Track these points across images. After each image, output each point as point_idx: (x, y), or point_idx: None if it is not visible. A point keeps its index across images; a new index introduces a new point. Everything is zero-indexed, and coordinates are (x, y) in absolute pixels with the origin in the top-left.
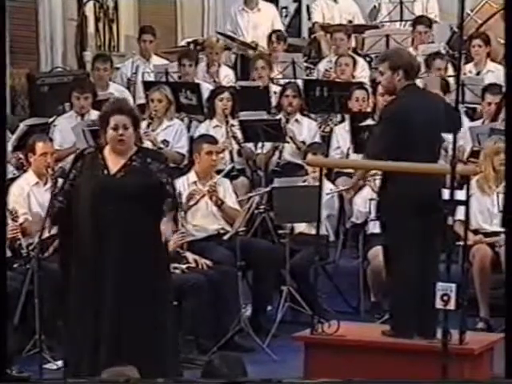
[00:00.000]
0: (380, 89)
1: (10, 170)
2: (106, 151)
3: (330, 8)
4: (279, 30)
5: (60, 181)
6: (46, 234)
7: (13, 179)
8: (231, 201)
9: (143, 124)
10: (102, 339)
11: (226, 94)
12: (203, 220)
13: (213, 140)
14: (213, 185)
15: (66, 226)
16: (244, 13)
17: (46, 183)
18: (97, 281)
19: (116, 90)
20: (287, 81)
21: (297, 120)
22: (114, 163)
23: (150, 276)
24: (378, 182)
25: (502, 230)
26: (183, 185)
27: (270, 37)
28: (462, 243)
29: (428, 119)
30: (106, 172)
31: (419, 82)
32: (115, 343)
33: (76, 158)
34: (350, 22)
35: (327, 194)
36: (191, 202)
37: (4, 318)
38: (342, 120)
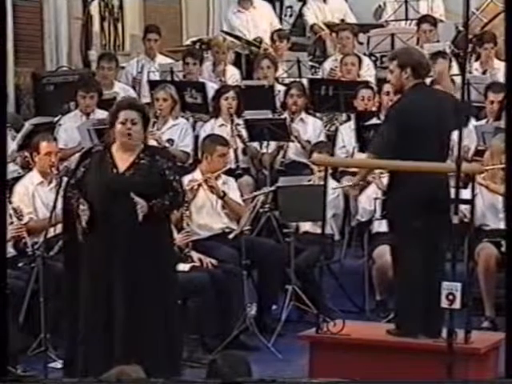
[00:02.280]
0: (385, 88)
1: (15, 169)
2: (114, 149)
3: (321, 9)
4: (281, 29)
5: (65, 180)
6: (51, 233)
7: (18, 178)
8: (235, 197)
9: None
10: (106, 338)
11: (231, 93)
12: (208, 219)
13: (225, 142)
14: (209, 176)
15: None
16: (241, 14)
17: (50, 182)
18: (103, 280)
19: (121, 89)
20: (292, 80)
21: (302, 119)
22: (122, 161)
23: (157, 275)
24: (383, 180)
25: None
26: (187, 183)
27: (272, 35)
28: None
29: (435, 118)
30: (114, 170)
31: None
32: (120, 342)
33: (83, 155)
34: (343, 20)
35: (333, 188)
36: (190, 195)
37: (6, 317)
38: (348, 119)
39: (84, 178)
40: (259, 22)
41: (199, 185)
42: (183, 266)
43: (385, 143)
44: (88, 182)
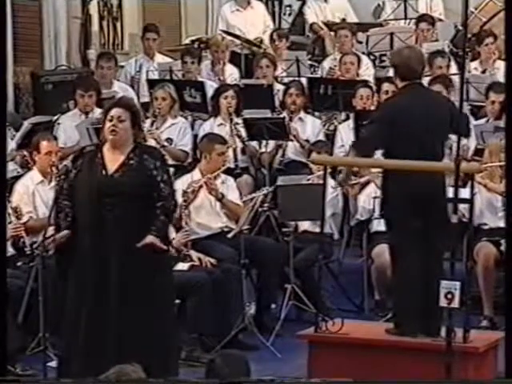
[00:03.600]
0: (384, 87)
1: (14, 168)
2: (105, 149)
3: (322, 8)
4: (281, 28)
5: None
6: (50, 232)
7: (17, 177)
8: (234, 197)
9: (147, 122)
10: (102, 338)
11: (230, 92)
12: (207, 218)
13: (223, 141)
14: (210, 177)
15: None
16: (238, 13)
17: (50, 182)
18: (96, 280)
19: (120, 88)
20: (291, 79)
21: (300, 118)
22: (112, 162)
23: (150, 275)
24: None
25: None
26: (187, 183)
27: (271, 35)
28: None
29: (423, 118)
30: (104, 172)
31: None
32: (115, 342)
33: (76, 156)
34: (344, 19)
35: (332, 187)
36: (191, 196)
37: (5, 316)
38: (347, 118)
39: (76, 178)
40: (257, 22)
41: (200, 186)
42: (182, 265)
43: (364, 140)
44: (79, 182)
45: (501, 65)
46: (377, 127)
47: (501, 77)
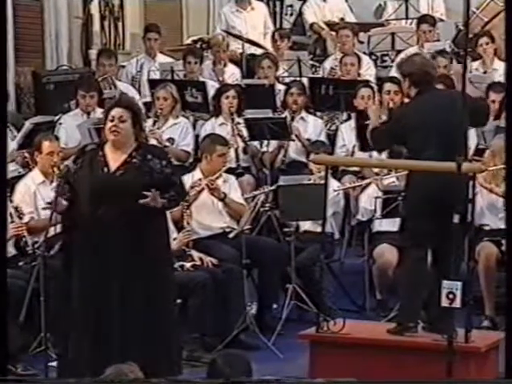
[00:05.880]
0: (386, 86)
1: (15, 169)
2: (107, 147)
3: (320, 8)
4: (282, 28)
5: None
6: (51, 232)
7: (19, 177)
8: (236, 196)
9: (149, 122)
10: (103, 337)
11: (231, 92)
12: (209, 218)
13: (224, 142)
14: (212, 179)
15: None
16: (239, 13)
17: (52, 182)
18: (98, 279)
19: (121, 86)
20: (292, 79)
21: (303, 118)
22: (114, 160)
23: (152, 274)
24: (384, 182)
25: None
26: (188, 182)
27: (273, 35)
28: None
29: (439, 120)
30: (105, 170)
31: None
32: (116, 341)
33: (78, 154)
34: (342, 19)
35: (335, 190)
36: (192, 197)
37: (5, 316)
38: (348, 118)
39: (76, 174)
40: (257, 24)
41: (202, 189)
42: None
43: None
44: (80, 179)
45: (500, 65)
46: (395, 126)
47: (499, 76)
